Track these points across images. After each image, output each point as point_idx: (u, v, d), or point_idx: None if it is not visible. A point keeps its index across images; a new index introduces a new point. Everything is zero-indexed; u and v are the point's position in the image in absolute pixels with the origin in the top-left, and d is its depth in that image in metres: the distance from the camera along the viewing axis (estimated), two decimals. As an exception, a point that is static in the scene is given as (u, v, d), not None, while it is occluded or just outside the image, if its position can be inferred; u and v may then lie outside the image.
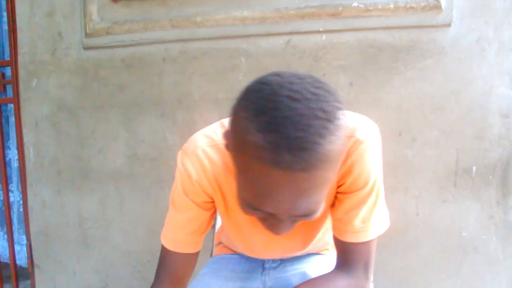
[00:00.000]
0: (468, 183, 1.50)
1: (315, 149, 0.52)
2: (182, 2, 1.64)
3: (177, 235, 0.86)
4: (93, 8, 1.72)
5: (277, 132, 0.52)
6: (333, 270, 0.83)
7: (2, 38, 2.28)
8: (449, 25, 1.45)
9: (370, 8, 1.47)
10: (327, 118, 0.53)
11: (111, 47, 1.73)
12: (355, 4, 1.48)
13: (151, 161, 1.75)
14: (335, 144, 0.54)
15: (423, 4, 1.44)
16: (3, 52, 2.29)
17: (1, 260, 2.15)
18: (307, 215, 0.60)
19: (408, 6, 1.45)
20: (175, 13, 1.64)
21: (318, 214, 0.61)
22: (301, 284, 0.79)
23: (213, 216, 0.90)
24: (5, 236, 2.08)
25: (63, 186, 1.88)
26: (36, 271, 1.97)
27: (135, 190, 1.79)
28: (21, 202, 2.02)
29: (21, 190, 1.98)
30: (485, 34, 1.44)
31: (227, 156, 0.69)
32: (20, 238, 2.38)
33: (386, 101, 1.52)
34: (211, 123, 0.86)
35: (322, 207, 0.61)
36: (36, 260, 1.96)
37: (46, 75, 1.83)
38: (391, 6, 1.46)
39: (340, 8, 1.49)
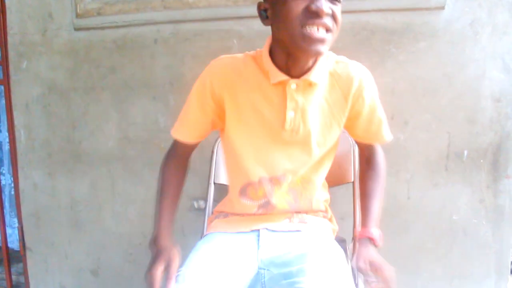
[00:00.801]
0: (459, 167, 1.50)
1: None
2: (174, -18, 1.62)
3: (183, 129, 1.09)
4: (84, -12, 1.70)
5: None
6: (370, 176, 1.13)
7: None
8: (442, 7, 1.44)
9: (364, -11, 1.46)
10: None
11: (102, 28, 1.71)
12: (348, -15, 1.47)
13: (142, 143, 1.74)
14: None
15: (417, -14, 1.43)
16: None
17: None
18: None
19: (402, -12, 1.44)
20: (167, -7, 1.63)
21: None
22: (367, 181, 1.13)
23: (213, 123, 1.08)
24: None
25: (54, 169, 1.87)
26: (28, 253, 1.97)
27: (127, 172, 1.78)
28: (13, 185, 2.01)
29: (12, 173, 1.97)
30: (478, 17, 1.43)
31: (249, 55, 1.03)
32: (11, 221, 2.37)
33: (379, 84, 1.46)
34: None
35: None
36: (27, 243, 1.96)
37: (36, 57, 1.81)
38: (385, -12, 1.45)
39: (334, -11, 1.47)
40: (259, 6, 0.95)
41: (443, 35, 1.46)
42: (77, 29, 1.74)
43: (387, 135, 1.11)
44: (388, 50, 1.49)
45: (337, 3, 0.88)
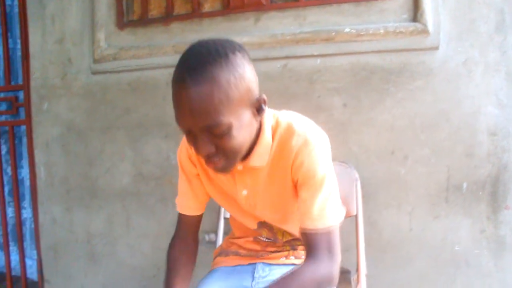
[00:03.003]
0: (459, 199, 1.55)
1: (204, 70, 0.77)
2: (184, 29, 1.74)
3: (182, 201, 1.11)
4: (101, 36, 1.82)
5: (183, 62, 0.81)
6: (301, 264, 0.94)
7: (16, 64, 2.39)
8: (437, 48, 1.52)
9: (362, 33, 1.55)
10: (219, 55, 0.79)
11: (118, 71, 1.83)
12: (347, 29, 1.56)
13: (155, 180, 1.83)
14: (220, 71, 0.78)
15: (411, 28, 1.52)
16: (17, 77, 2.40)
17: (14, 274, 2.22)
18: (209, 127, 0.80)
19: (397, 30, 1.53)
20: (177, 39, 1.74)
21: (221, 129, 0.80)
22: (271, 284, 0.89)
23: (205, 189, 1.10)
24: (18, 251, 2.15)
25: (72, 204, 1.96)
26: (46, 285, 2.04)
27: (141, 207, 1.86)
28: (33, 218, 2.10)
29: (32, 207, 2.07)
30: (471, 56, 1.51)
31: None
32: (32, 253, 2.45)
33: (379, 121, 1.58)
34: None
35: (226, 126, 0.80)
36: (46, 275, 2.04)
37: (56, 99, 1.94)
38: (382, 31, 1.53)
39: (333, 33, 1.57)
40: None
41: (438, 73, 1.53)
42: (94, 73, 1.86)
43: (321, 221, 0.92)
44: (387, 88, 1.57)
45: (218, 135, 0.82)
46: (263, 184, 1.00)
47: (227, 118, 0.79)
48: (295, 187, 0.97)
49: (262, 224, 1.12)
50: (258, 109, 0.88)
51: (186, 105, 0.78)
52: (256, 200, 1.03)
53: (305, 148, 0.91)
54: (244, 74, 0.82)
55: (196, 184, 1.09)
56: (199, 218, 1.13)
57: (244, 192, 1.02)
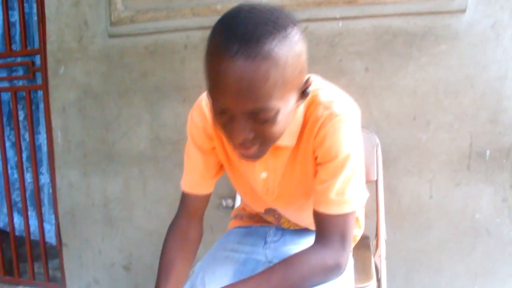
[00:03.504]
0: (481, 166, 1.52)
1: (260, 43, 0.64)
2: (203, -10, 1.70)
3: (190, 179, 1.01)
4: (117, -3, 1.79)
5: (231, 30, 0.66)
6: (310, 245, 0.86)
7: (32, 28, 2.38)
8: (464, 11, 1.47)
9: (386, -6, 1.50)
10: (276, 27, 0.66)
11: (135, 35, 1.80)
12: (371, -9, 1.51)
13: (173, 144, 1.82)
14: (280, 48, 0.66)
15: (438, -10, 1.47)
16: (33, 41, 2.39)
17: (33, 238, 2.26)
18: (255, 112, 0.69)
19: (423, -8, 1.48)
20: (196, 1, 1.70)
21: (268, 114, 0.69)
22: (277, 263, 0.84)
23: (219, 164, 1.02)
24: (37, 216, 2.19)
25: (89, 169, 1.97)
26: (64, 249, 2.07)
27: (158, 172, 1.87)
28: (51, 184, 2.12)
29: (50, 172, 2.08)
30: (500, 19, 1.46)
31: None
32: (50, 218, 2.49)
33: (401, 86, 1.55)
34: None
35: (274, 112, 0.69)
36: (63, 239, 2.07)
37: (73, 63, 1.92)
38: (407, -8, 1.49)
39: (356, -5, 1.53)
40: None
41: (464, 37, 1.48)
42: (111, 36, 1.84)
43: (338, 206, 0.84)
44: (410, 53, 1.53)
45: (264, 121, 0.71)
46: (286, 166, 0.92)
47: (278, 102, 0.69)
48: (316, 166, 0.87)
49: (269, 211, 1.08)
50: (304, 92, 0.77)
51: (234, 83, 0.65)
52: (275, 185, 0.95)
53: (329, 121, 0.80)
54: (302, 54, 0.72)
55: (210, 159, 0.99)
56: (207, 198, 1.03)
57: (263, 175, 0.93)
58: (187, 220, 1.00)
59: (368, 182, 1.42)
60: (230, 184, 1.52)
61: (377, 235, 1.40)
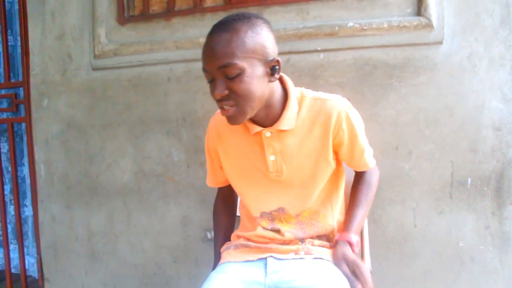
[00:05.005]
0: (463, 194, 1.54)
1: (229, 24, 0.95)
2: (186, 24, 1.73)
3: (209, 177, 1.31)
4: (101, 31, 1.81)
5: (216, 23, 0.99)
6: (363, 173, 1.24)
7: (17, 61, 2.38)
8: (440, 42, 1.51)
9: (365, 27, 1.54)
10: (244, 16, 0.97)
11: (119, 67, 1.81)
12: (350, 24, 1.55)
13: (157, 177, 1.81)
14: (242, 25, 0.95)
15: (415, 23, 1.51)
16: (17, 74, 2.39)
17: (15, 272, 2.21)
18: (224, 66, 0.93)
19: (401, 25, 1.52)
20: (179, 34, 1.73)
21: (234, 71, 0.94)
22: (358, 186, 1.23)
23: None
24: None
25: (72, 202, 1.95)
26: (46, 284, 2.02)
27: (142, 205, 1.85)
28: (33, 217, 2.09)
29: (33, 205, 2.05)
30: (475, 51, 1.50)
31: None
32: (34, 251, 2.43)
33: (382, 116, 1.57)
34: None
35: (239, 69, 0.94)
36: (46, 274, 2.02)
37: (56, 95, 1.92)
38: (385, 25, 1.52)
39: (337, 28, 1.56)
40: None
41: (442, 68, 1.52)
42: (94, 69, 1.85)
43: (371, 162, 1.21)
44: (391, 83, 1.56)
45: (232, 78, 0.95)
46: (293, 148, 1.10)
47: (240, 62, 0.93)
48: (334, 149, 1.12)
49: (264, 214, 1.16)
50: (272, 70, 0.99)
51: (209, 48, 0.95)
52: (283, 163, 1.10)
53: (343, 110, 1.08)
54: (261, 32, 0.97)
55: (216, 162, 1.25)
56: (230, 186, 1.27)
57: (272, 157, 1.10)
58: (221, 199, 1.35)
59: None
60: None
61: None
